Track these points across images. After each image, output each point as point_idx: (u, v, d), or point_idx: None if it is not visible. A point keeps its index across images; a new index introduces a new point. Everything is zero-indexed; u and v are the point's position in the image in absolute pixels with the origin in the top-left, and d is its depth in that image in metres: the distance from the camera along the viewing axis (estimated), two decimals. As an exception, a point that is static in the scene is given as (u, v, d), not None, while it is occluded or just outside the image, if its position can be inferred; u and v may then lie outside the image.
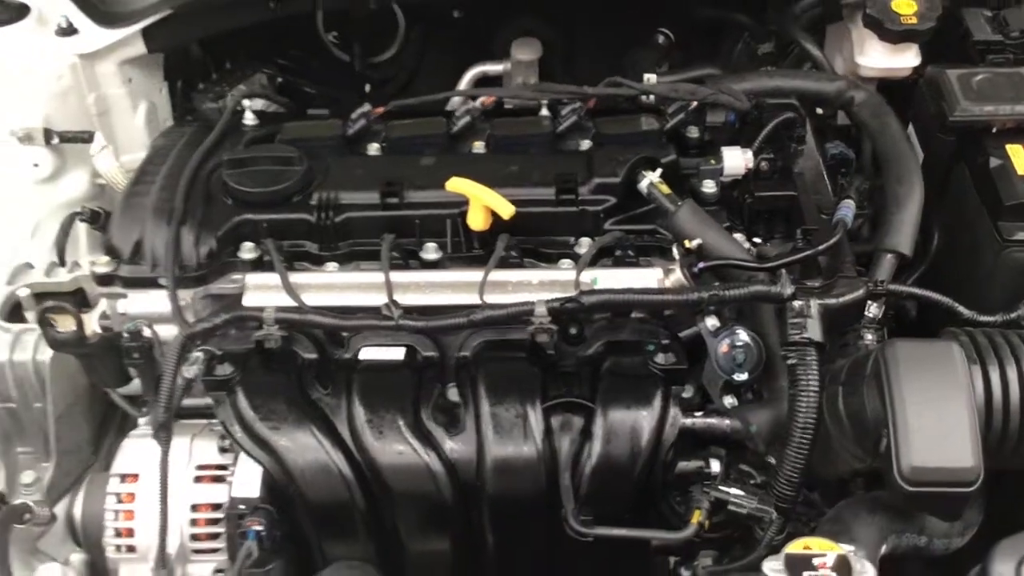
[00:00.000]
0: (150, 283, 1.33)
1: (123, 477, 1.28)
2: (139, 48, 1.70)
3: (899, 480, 1.09)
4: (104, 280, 1.34)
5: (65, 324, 1.32)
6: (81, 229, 1.65)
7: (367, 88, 2.01)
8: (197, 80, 1.88)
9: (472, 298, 1.28)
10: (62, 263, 1.56)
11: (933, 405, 1.11)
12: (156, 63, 1.79)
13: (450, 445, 1.23)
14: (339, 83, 1.97)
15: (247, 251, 1.34)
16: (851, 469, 1.22)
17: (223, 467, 1.28)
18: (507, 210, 1.27)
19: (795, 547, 1.04)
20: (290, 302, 1.27)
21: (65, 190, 1.69)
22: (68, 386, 1.44)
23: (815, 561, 1.03)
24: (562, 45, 1.96)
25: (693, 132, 1.46)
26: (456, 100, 1.54)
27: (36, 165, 1.64)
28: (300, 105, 1.86)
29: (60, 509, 1.39)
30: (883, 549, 1.13)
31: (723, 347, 1.20)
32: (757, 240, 1.34)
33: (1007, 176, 1.32)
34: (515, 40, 1.92)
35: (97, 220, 1.66)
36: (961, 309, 1.24)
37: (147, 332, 1.29)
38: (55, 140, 1.62)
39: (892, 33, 1.47)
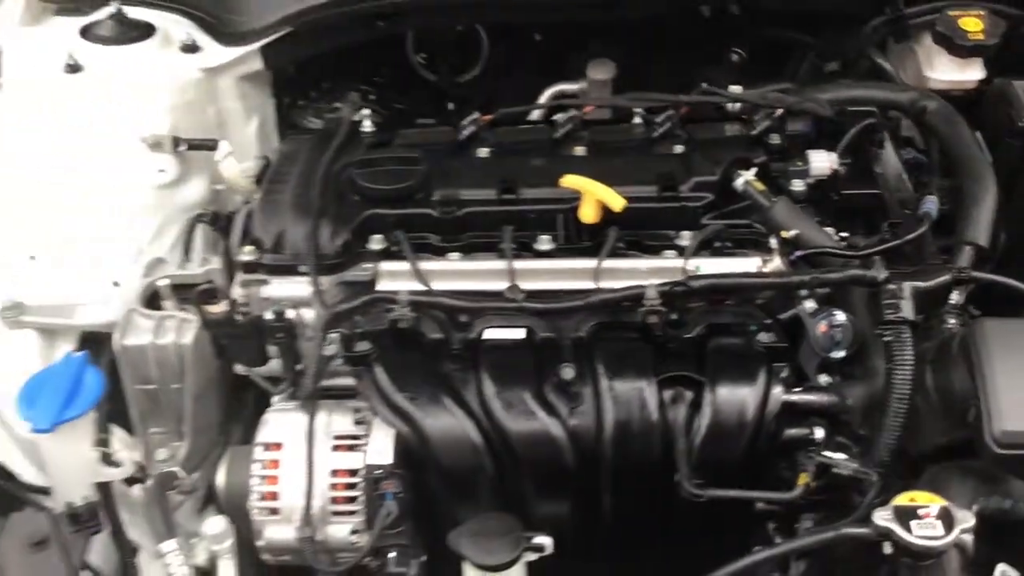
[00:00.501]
0: (291, 270, 1.46)
1: (267, 446, 1.39)
2: (256, 65, 1.84)
3: (990, 443, 1.21)
4: (249, 268, 1.47)
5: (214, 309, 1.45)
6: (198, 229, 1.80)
7: (450, 106, 2.14)
8: (297, 97, 2.03)
9: (584, 284, 1.40)
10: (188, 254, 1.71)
11: (1020, 374, 1.23)
12: (267, 80, 1.93)
13: (570, 416, 1.35)
14: (424, 101, 2.11)
15: (376, 243, 1.48)
16: (935, 444, 1.33)
17: (357, 437, 1.39)
18: (619, 203, 1.40)
19: (901, 500, 1.15)
20: (418, 288, 1.40)
21: (185, 194, 1.83)
22: (204, 370, 1.56)
23: (920, 511, 1.14)
24: (635, 65, 2.09)
25: (775, 139, 1.59)
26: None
27: (162, 171, 1.78)
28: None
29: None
30: (973, 509, 1.23)
31: (821, 327, 1.32)
32: (844, 234, 1.46)
33: None
34: (590, 61, 2.06)
35: (216, 222, 1.80)
36: None
37: (290, 314, 1.42)
38: (182, 147, 1.76)
39: (961, 49, 1.61)
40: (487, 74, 2.09)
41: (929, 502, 1.15)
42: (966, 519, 1.14)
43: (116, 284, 1.71)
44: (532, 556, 1.21)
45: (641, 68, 2.10)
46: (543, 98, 2.07)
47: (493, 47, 2.06)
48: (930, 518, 1.13)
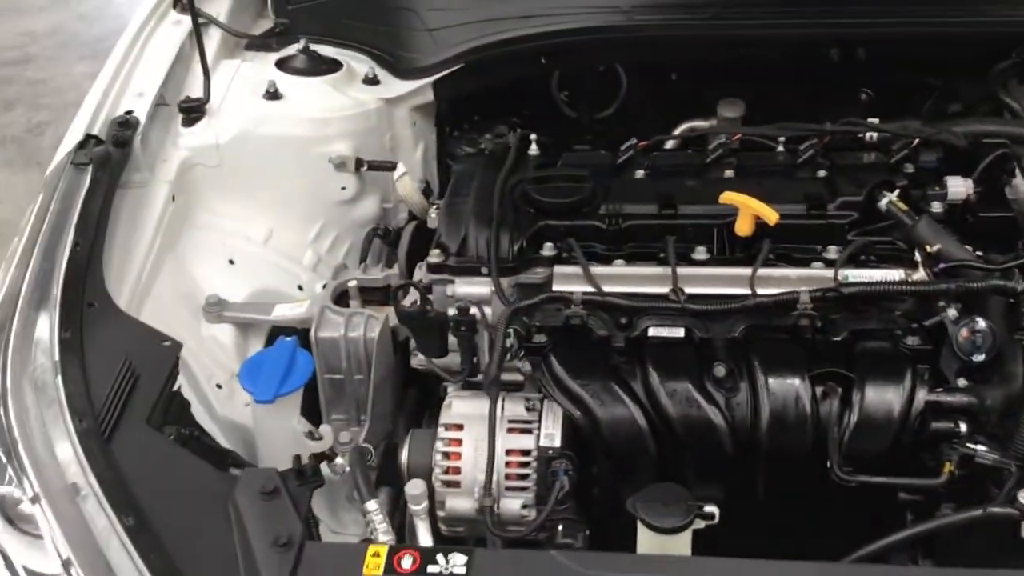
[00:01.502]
0: (474, 271, 1.64)
1: (448, 427, 1.56)
2: (428, 97, 2.05)
3: None
4: (435, 268, 1.66)
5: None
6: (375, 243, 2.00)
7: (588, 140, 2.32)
8: (453, 128, 2.23)
9: (738, 290, 1.55)
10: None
11: None
12: (432, 111, 2.14)
13: (729, 407, 1.49)
14: (566, 135, 2.29)
15: (548, 249, 1.66)
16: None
17: (529, 422, 1.55)
18: (773, 216, 1.56)
19: (1044, 479, 1.27)
20: (588, 290, 1.57)
21: (361, 210, 2.04)
22: (384, 362, 1.75)
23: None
24: (764, 104, 2.24)
25: (909, 167, 1.73)
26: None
27: (344, 188, 1.99)
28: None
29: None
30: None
31: (964, 332, 1.45)
32: (979, 253, 1.59)
33: None
34: (721, 99, 2.22)
35: (387, 236, 2.01)
36: None
37: (473, 310, 1.60)
38: (364, 168, 1.97)
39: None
40: (623, 111, 2.26)
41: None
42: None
43: (300, 288, 1.92)
44: (701, 524, 1.35)
45: (769, 107, 2.25)
46: (676, 132, 2.25)
47: (631, 86, 2.23)
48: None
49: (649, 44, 2.00)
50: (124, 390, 1.43)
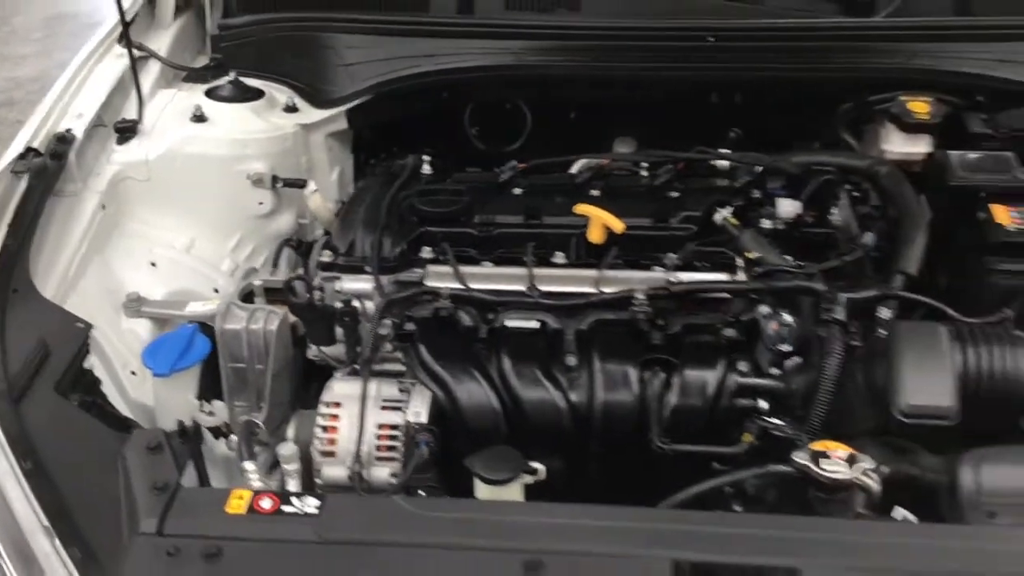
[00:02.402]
0: (358, 270, 1.85)
1: (328, 404, 1.76)
2: (342, 124, 2.28)
3: (898, 415, 1.53)
4: (325, 267, 1.87)
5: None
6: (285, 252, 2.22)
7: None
8: (370, 156, 2.46)
9: (587, 289, 1.77)
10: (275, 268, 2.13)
11: (924, 362, 1.55)
12: (349, 138, 2.37)
13: (572, 391, 1.70)
14: (475, 166, 2.52)
15: (426, 253, 1.87)
16: (864, 429, 1.63)
17: (400, 402, 1.75)
18: (619, 226, 1.78)
19: (817, 445, 1.47)
20: (457, 287, 1.78)
21: (277, 224, 2.26)
22: (283, 353, 1.94)
23: (829, 454, 1.45)
24: (652, 141, 2.48)
25: (755, 193, 1.96)
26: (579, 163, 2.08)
27: (261, 203, 2.21)
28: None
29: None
30: (885, 469, 1.53)
31: (772, 325, 1.66)
32: (799, 263, 1.81)
33: (990, 224, 1.78)
34: (616, 138, 2.45)
35: (299, 247, 2.22)
36: (951, 312, 1.68)
37: (355, 303, 1.80)
38: (279, 184, 2.20)
39: (909, 125, 1.97)
40: (528, 147, 2.49)
41: (838, 448, 1.46)
42: (867, 461, 1.44)
43: (216, 291, 2.13)
44: (529, 479, 1.54)
45: (657, 143, 2.48)
46: (574, 168, 2.47)
47: (535, 122, 2.46)
48: (837, 459, 1.45)
49: (540, 83, 2.24)
50: (36, 361, 1.63)
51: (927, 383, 1.54)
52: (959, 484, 1.44)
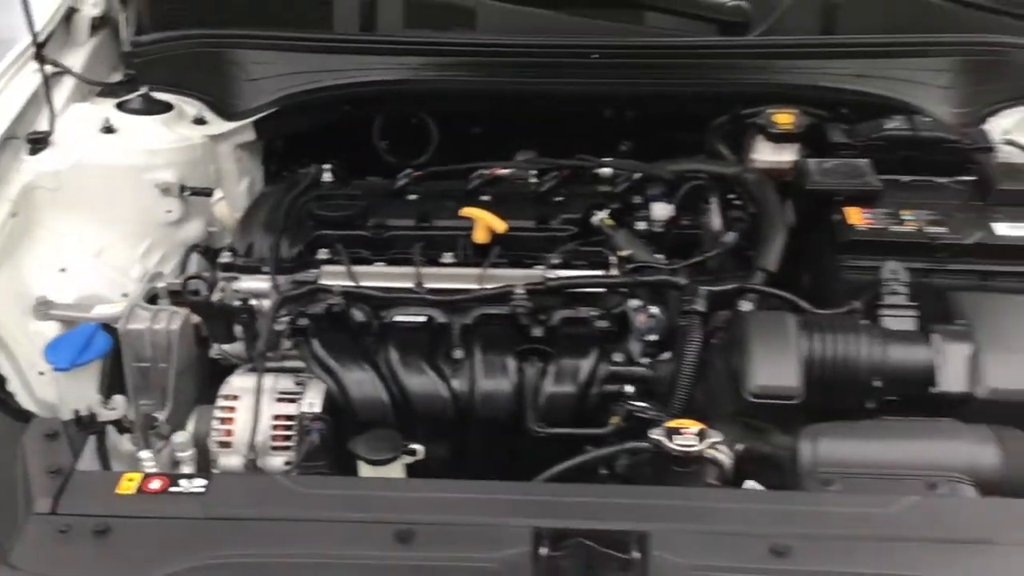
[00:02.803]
0: (256, 271, 1.95)
1: (226, 397, 1.85)
2: (250, 136, 2.38)
3: (748, 395, 1.67)
4: (225, 267, 1.97)
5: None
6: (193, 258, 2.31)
7: None
8: (281, 168, 2.56)
9: (472, 286, 1.89)
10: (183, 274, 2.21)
11: (772, 347, 1.69)
12: (258, 150, 2.47)
13: (454, 380, 1.81)
14: (385, 178, 2.63)
15: (322, 254, 1.98)
16: (726, 411, 1.77)
17: (295, 394, 1.85)
18: (501, 226, 1.91)
19: (671, 423, 1.59)
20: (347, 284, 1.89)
21: (186, 232, 2.35)
22: (186, 352, 2.03)
23: (682, 430, 1.58)
24: (550, 153, 2.61)
25: (636, 199, 2.10)
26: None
27: (169, 211, 2.30)
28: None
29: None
30: (739, 446, 1.66)
31: (641, 317, 1.80)
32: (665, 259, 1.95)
33: (843, 225, 1.94)
34: (519, 150, 2.58)
35: (207, 253, 2.31)
36: (804, 304, 1.82)
37: (253, 302, 1.90)
38: (187, 193, 2.28)
39: (774, 135, 2.13)
40: (435, 160, 2.61)
41: (690, 424, 1.59)
42: (716, 436, 1.57)
43: (125, 295, 2.20)
44: (409, 459, 1.65)
45: (556, 155, 2.62)
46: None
47: (442, 137, 2.58)
48: (689, 434, 1.57)
49: (439, 97, 2.36)
50: None
51: (774, 366, 1.68)
52: (798, 456, 1.58)
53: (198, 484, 1.53)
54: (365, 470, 1.65)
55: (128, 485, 1.53)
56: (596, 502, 1.52)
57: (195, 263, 2.28)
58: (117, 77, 2.56)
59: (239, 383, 1.87)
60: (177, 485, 1.53)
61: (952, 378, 1.69)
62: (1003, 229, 1.91)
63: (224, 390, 1.86)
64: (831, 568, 1.40)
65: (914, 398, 1.69)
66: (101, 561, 1.43)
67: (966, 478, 1.54)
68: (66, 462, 1.56)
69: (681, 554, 1.38)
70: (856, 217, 1.95)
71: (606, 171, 2.14)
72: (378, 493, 1.56)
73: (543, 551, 1.39)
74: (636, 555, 1.38)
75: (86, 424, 1.65)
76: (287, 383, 1.86)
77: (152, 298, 2.12)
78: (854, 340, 1.71)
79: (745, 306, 1.83)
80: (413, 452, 1.65)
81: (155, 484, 1.53)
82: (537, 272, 1.91)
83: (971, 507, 1.50)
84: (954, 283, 1.85)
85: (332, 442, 1.79)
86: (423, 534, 1.44)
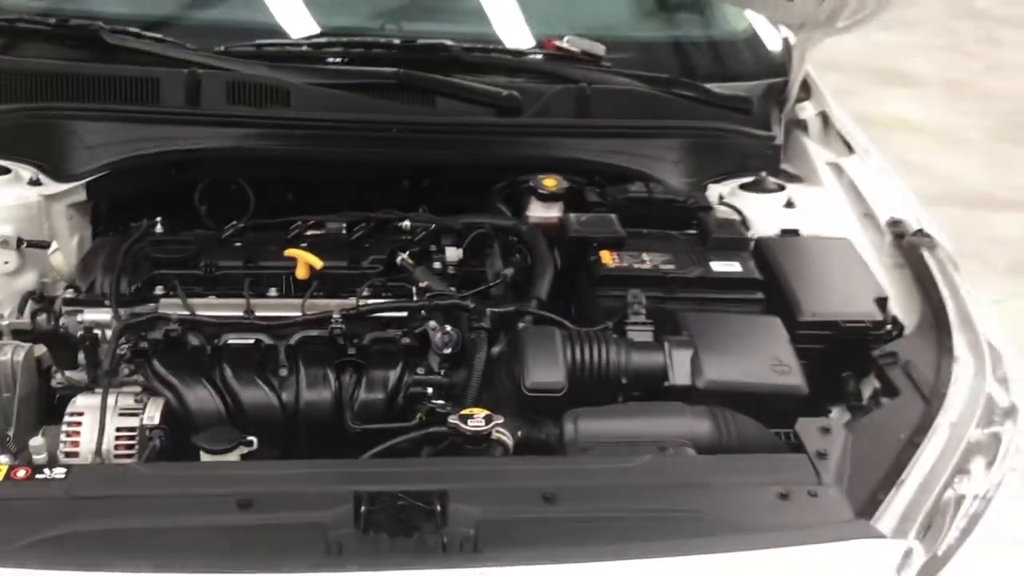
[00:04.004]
0: (99, 304, 2.21)
1: (72, 414, 2.08)
2: (81, 196, 2.63)
3: (525, 390, 2.08)
4: (69, 302, 2.21)
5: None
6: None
7: None
8: (108, 229, 2.80)
9: (294, 313, 2.23)
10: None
11: (542, 353, 2.12)
12: (87, 210, 2.72)
13: (282, 392, 2.13)
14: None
15: (158, 290, 2.26)
16: (510, 408, 2.16)
17: (136, 410, 2.10)
18: (318, 263, 2.27)
19: (465, 411, 1.98)
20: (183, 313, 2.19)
21: (22, 282, 2.55)
22: (29, 381, 2.23)
23: (474, 416, 1.96)
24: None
25: (433, 247, 2.52)
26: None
27: (6, 263, 2.50)
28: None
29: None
30: (520, 433, 2.06)
31: (438, 335, 2.19)
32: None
33: (598, 264, 2.42)
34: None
35: (41, 301, 2.52)
36: (566, 323, 2.27)
37: (96, 331, 2.16)
38: (23, 245, 2.50)
39: (543, 196, 2.61)
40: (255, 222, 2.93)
41: (479, 411, 1.98)
42: (499, 419, 1.96)
43: (-34, 337, 2.39)
44: (245, 449, 1.94)
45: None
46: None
47: (258, 202, 2.87)
48: (479, 419, 1.96)
49: (255, 163, 2.70)
50: None
51: (545, 367, 2.10)
52: (563, 431, 2.00)
53: (59, 472, 1.78)
54: (204, 458, 1.93)
55: (-3, 474, 1.76)
56: (404, 471, 1.88)
57: (30, 308, 2.48)
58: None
59: (83, 402, 2.10)
60: (41, 473, 1.77)
61: (680, 375, 2.16)
62: (717, 266, 2.45)
63: (70, 408, 2.09)
64: (588, 506, 1.81)
65: (652, 391, 2.15)
66: (-28, 537, 1.64)
67: (688, 443, 2.00)
68: (-69, 462, 1.76)
69: (472, 504, 1.74)
70: (607, 258, 2.44)
71: (406, 224, 2.54)
72: (219, 472, 1.86)
73: (363, 508, 1.72)
74: (438, 508, 1.73)
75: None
76: (127, 400, 2.12)
77: (-6, 336, 2.33)
78: (606, 348, 2.17)
79: (522, 325, 2.26)
80: (249, 443, 1.95)
81: (21, 473, 1.76)
82: (349, 301, 2.27)
83: (691, 462, 1.96)
84: (681, 307, 2.35)
85: (172, 449, 2.05)
86: (261, 502, 1.74)
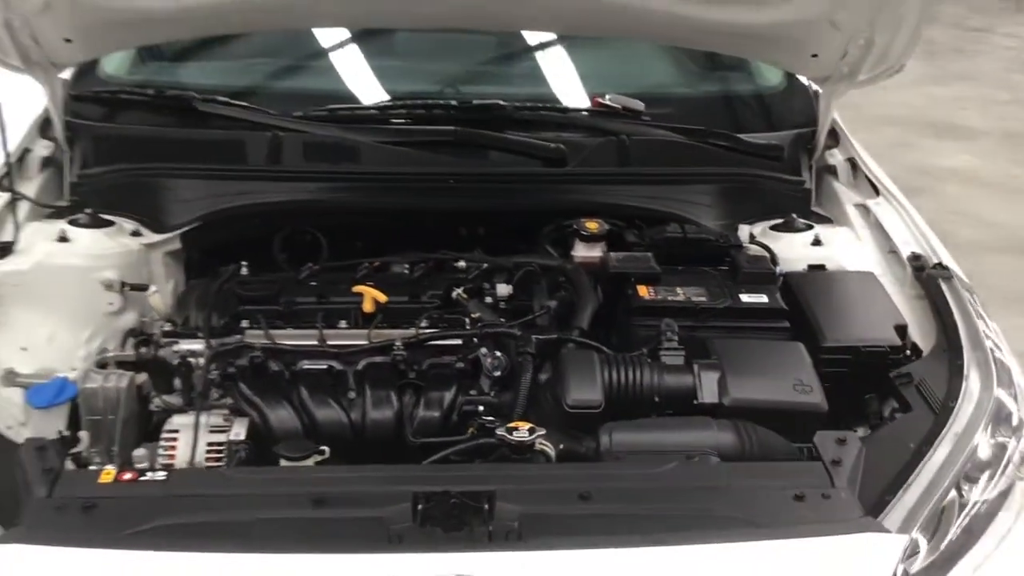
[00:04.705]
0: (192, 335, 2.52)
1: (168, 431, 2.37)
2: (176, 245, 2.98)
3: (566, 407, 2.32)
4: (167, 334, 2.53)
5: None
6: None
7: None
8: (197, 275, 3.13)
9: (363, 342, 2.51)
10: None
11: (582, 373, 2.36)
12: (182, 258, 3.06)
13: (351, 412, 2.40)
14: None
15: (244, 323, 2.57)
16: (553, 423, 2.39)
17: (224, 427, 2.39)
18: (383, 297, 2.56)
19: (510, 424, 2.22)
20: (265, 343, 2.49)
21: (124, 321, 2.89)
22: (130, 407, 2.54)
23: (520, 428, 2.20)
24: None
25: (487, 285, 2.79)
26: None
27: (111, 304, 2.84)
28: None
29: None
30: (561, 446, 2.29)
31: (489, 359, 2.44)
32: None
33: (635, 297, 2.66)
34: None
35: (140, 335, 2.85)
36: (604, 349, 2.51)
37: (190, 359, 2.46)
38: (126, 288, 2.84)
39: (586, 237, 2.87)
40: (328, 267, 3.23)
41: (524, 425, 2.21)
42: (542, 431, 2.20)
43: (74, 369, 2.72)
44: (319, 457, 2.21)
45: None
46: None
47: (331, 250, 3.17)
48: (523, 431, 2.20)
49: (331, 212, 3.02)
50: None
51: (583, 386, 2.35)
52: (599, 442, 2.23)
53: (160, 475, 2.07)
54: (285, 465, 2.20)
55: (107, 477, 2.05)
56: (456, 475, 2.12)
57: (132, 342, 2.81)
58: (62, 203, 3.14)
59: (179, 421, 2.40)
60: (145, 476, 2.06)
61: (707, 393, 2.38)
62: (746, 298, 2.67)
63: (167, 426, 2.39)
64: (619, 505, 2.03)
65: (683, 409, 2.38)
66: (89, 527, 1.93)
67: (713, 452, 2.21)
68: (56, 464, 2.07)
69: (516, 503, 1.98)
70: (644, 291, 2.68)
71: (462, 263, 2.82)
72: (296, 475, 2.13)
73: (420, 506, 1.97)
74: (485, 506, 1.97)
75: (68, 442, 2.16)
76: (217, 419, 2.41)
77: (102, 363, 2.65)
78: (640, 370, 2.40)
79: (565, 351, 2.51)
80: (322, 452, 2.22)
81: (127, 476, 2.06)
82: (410, 331, 2.55)
83: (714, 467, 2.17)
84: (711, 335, 2.57)
85: (255, 461, 2.33)
86: (332, 500, 2.01)
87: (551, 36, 3.45)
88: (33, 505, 1.97)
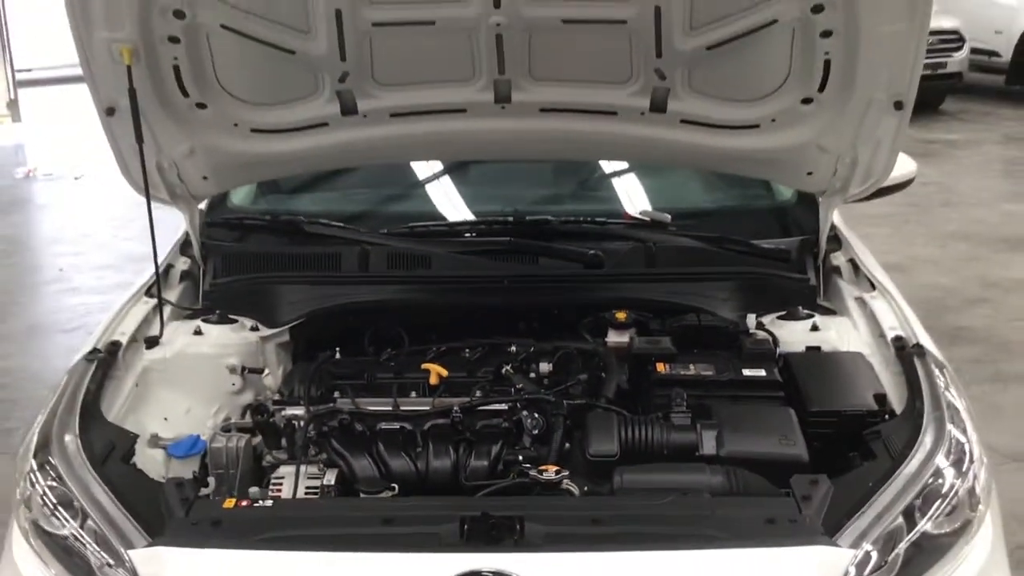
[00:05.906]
0: (296, 403, 3.18)
1: (276, 478, 3.01)
2: (285, 337, 3.67)
3: (588, 456, 2.87)
4: (276, 402, 3.20)
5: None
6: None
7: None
8: (304, 359, 3.82)
9: (428, 408, 3.13)
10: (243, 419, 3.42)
11: (602, 429, 2.93)
12: (289, 347, 3.75)
13: (416, 460, 3.01)
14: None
15: (336, 394, 3.22)
16: (579, 470, 2.93)
17: (319, 476, 3.01)
18: (444, 372, 3.19)
19: (541, 467, 2.78)
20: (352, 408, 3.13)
21: (244, 397, 3.57)
22: (246, 461, 3.18)
23: (548, 470, 2.76)
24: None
25: (533, 367, 3.39)
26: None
27: (234, 384, 3.54)
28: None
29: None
30: (584, 488, 2.83)
31: (529, 420, 3.03)
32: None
33: (654, 372, 3.22)
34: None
35: (260, 414, 3.53)
36: (623, 412, 3.07)
37: (294, 422, 3.12)
38: (245, 371, 3.54)
39: (616, 324, 3.46)
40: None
41: (551, 468, 2.78)
42: (566, 473, 2.76)
43: (201, 437, 3.40)
44: (389, 493, 2.81)
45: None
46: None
47: (410, 342, 3.83)
48: (551, 471, 2.76)
49: (409, 308, 3.69)
50: (110, 448, 2.89)
51: (603, 439, 2.91)
52: (614, 481, 2.78)
53: (268, 503, 2.70)
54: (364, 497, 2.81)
55: (230, 503, 2.70)
56: (495, 503, 2.69)
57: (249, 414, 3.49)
58: (197, 307, 3.89)
59: (284, 470, 3.04)
60: (257, 503, 2.70)
61: (707, 447, 2.91)
62: (747, 372, 3.21)
63: (275, 474, 3.03)
64: (624, 527, 2.57)
65: (686, 460, 2.91)
66: (217, 536, 2.56)
67: (704, 491, 2.73)
68: (191, 495, 2.72)
69: (541, 524, 2.54)
70: (661, 368, 3.25)
71: (512, 348, 3.44)
72: (371, 503, 2.74)
73: (466, 526, 2.54)
74: (517, 526, 2.53)
75: (200, 481, 2.83)
76: (313, 469, 3.04)
77: (225, 430, 3.33)
78: (651, 428, 2.96)
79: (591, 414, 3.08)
80: (392, 488, 2.82)
81: (244, 503, 2.70)
82: (465, 400, 3.16)
83: (703, 500, 2.68)
84: (716, 402, 3.11)
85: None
86: (397, 519, 2.60)
87: (592, 162, 4.15)
88: (174, 523, 2.62)
